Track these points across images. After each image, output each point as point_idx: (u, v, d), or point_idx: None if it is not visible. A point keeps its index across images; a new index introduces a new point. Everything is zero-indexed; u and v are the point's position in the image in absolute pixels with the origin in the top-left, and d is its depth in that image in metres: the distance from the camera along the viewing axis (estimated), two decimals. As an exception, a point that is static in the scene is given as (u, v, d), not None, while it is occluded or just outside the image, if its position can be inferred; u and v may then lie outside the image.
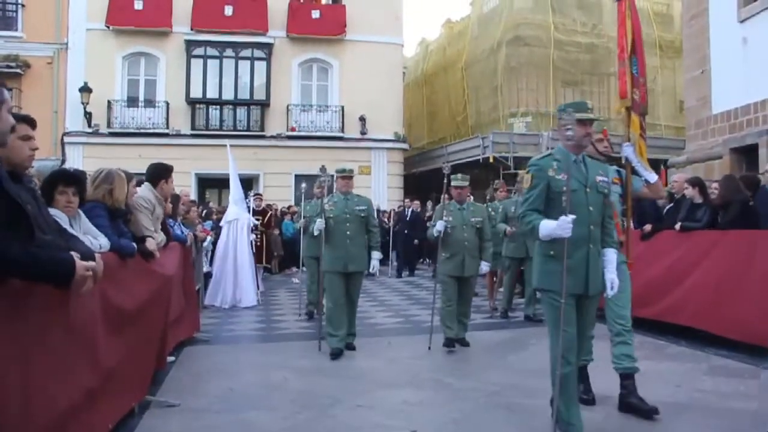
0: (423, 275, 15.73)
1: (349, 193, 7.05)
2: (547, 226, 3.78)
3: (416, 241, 16.10)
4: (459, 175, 7.37)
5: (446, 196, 7.15)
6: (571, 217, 3.68)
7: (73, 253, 2.74)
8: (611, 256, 4.05)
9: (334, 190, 7.24)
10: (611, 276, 4.00)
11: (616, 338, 4.80)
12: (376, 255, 7.26)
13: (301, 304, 9.29)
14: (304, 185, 10.17)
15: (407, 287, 13.41)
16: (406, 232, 16.22)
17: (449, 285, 6.97)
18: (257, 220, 12.00)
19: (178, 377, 5.67)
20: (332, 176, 7.40)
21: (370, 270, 7.07)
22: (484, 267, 7.22)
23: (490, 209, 9.54)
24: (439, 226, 6.90)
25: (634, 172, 5.03)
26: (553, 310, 3.91)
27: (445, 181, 7.13)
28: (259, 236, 12.12)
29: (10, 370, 2.44)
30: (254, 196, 12.71)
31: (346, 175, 7.10)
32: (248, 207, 11.53)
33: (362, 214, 6.95)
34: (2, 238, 2.30)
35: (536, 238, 3.93)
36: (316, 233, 6.90)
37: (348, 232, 6.80)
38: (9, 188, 2.39)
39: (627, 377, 4.76)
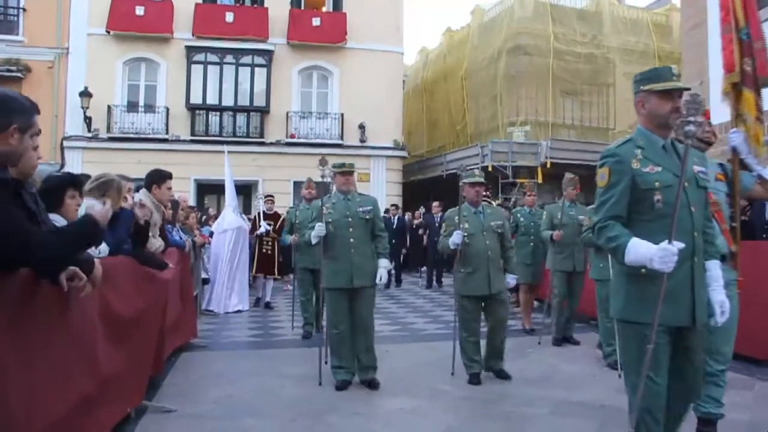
0: (420, 283, 15.69)
1: (349, 192, 5.94)
2: (640, 252, 2.82)
3: (404, 250, 16.07)
4: (475, 171, 6.28)
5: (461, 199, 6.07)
6: (679, 245, 2.75)
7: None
8: (716, 270, 3.08)
9: (333, 190, 6.05)
10: (720, 297, 3.02)
11: (706, 377, 3.75)
12: (383, 263, 5.88)
13: (294, 315, 8.75)
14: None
15: (403, 294, 13.42)
16: (393, 241, 16.08)
17: (471, 311, 5.90)
18: (269, 225, 10.81)
19: (176, 383, 5.69)
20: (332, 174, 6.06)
21: (377, 281, 5.80)
22: (511, 280, 6.12)
23: (519, 215, 8.80)
24: (456, 237, 5.75)
25: (744, 166, 4.05)
26: (640, 349, 2.91)
27: (460, 184, 6.11)
28: (270, 243, 10.84)
29: (12, 377, 2.46)
30: (265, 198, 11.32)
31: (346, 171, 5.96)
32: (260, 210, 11.15)
33: (367, 217, 5.81)
34: (33, 232, 2.50)
35: (619, 262, 2.98)
36: (314, 241, 5.70)
37: (351, 239, 5.69)
38: (27, 201, 2.57)
39: (707, 423, 3.98)
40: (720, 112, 13.61)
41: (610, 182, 3.02)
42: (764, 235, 7.02)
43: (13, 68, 19.41)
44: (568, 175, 7.98)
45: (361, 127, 21.10)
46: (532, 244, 8.47)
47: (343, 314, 5.70)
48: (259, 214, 10.93)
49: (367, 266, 5.75)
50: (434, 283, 15.06)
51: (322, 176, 5.92)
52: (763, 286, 6.17)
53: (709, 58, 13.69)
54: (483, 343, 6.02)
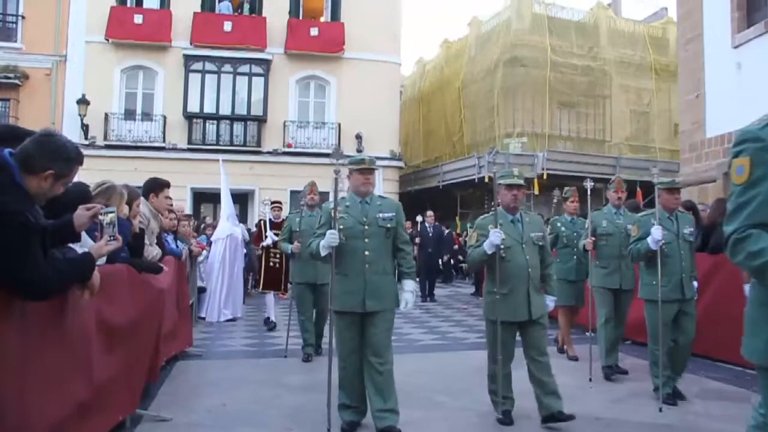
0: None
1: (368, 194, 4.84)
2: None
3: None
4: (515, 170, 5.21)
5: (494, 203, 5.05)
6: None
7: (82, 249, 3.03)
8: None
9: (345, 190, 5.02)
10: None
11: None
12: (409, 285, 4.85)
13: (290, 328, 7.86)
14: (309, 184, 7.53)
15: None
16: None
17: (505, 339, 4.83)
18: (276, 235, 9.09)
19: (171, 391, 5.67)
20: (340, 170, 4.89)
21: (401, 307, 4.82)
22: (550, 303, 5.07)
23: (559, 225, 7.55)
24: (495, 237, 4.66)
25: None
26: None
27: (496, 182, 5.11)
28: (278, 256, 9.08)
29: (7, 383, 2.46)
30: (272, 205, 10.03)
31: (365, 168, 4.80)
32: (266, 219, 9.76)
33: (387, 225, 4.72)
34: (43, 268, 2.58)
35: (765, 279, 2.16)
36: (324, 253, 4.60)
37: (366, 252, 4.64)
38: (43, 222, 2.67)
39: None
40: (717, 125, 13.68)
41: (751, 177, 2.16)
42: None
43: (11, 75, 19.47)
44: (614, 178, 7.07)
45: (358, 137, 21.14)
46: (575, 257, 7.26)
47: (354, 343, 4.72)
48: (264, 222, 9.66)
49: (385, 286, 4.69)
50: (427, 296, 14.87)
51: (336, 172, 4.79)
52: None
53: (705, 71, 13.76)
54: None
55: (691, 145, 14.34)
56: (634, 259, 5.91)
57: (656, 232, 5.33)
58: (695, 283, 5.67)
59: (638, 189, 14.72)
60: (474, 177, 20.67)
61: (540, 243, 4.98)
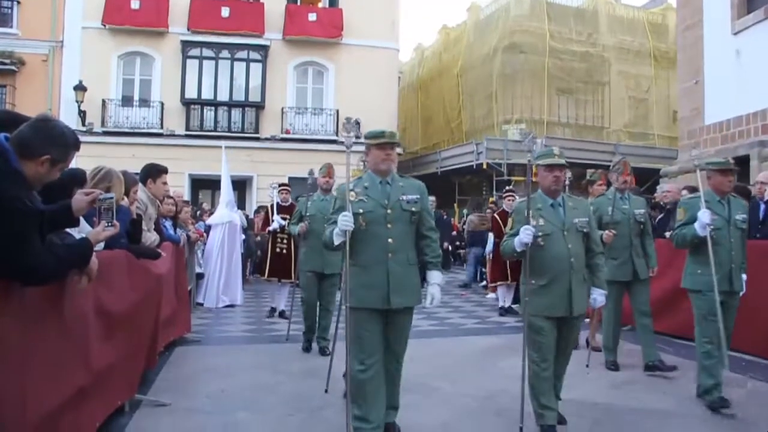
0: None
1: (389, 173, 4.29)
2: None
3: None
4: (555, 149, 4.59)
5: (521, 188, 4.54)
6: None
7: (79, 234, 3.06)
8: None
9: (361, 168, 4.42)
10: None
11: None
12: (436, 277, 4.29)
13: (293, 315, 7.84)
14: (313, 171, 7.31)
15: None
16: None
17: (546, 333, 4.28)
18: (283, 219, 8.67)
19: (169, 377, 5.68)
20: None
21: (427, 303, 4.25)
22: (599, 297, 4.50)
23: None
24: (525, 235, 4.15)
25: None
26: None
27: (528, 161, 4.68)
28: (285, 241, 8.80)
29: (5, 369, 2.46)
30: (280, 188, 9.33)
31: (385, 143, 4.30)
32: (275, 201, 9.13)
33: (412, 209, 4.15)
34: (41, 253, 2.59)
35: None
36: (337, 241, 3.94)
37: (390, 240, 4.03)
38: (40, 207, 2.67)
39: None
40: (716, 112, 13.66)
41: None
42: (757, 235, 7.04)
43: (7, 61, 19.41)
44: (619, 160, 6.60)
45: (357, 123, 21.06)
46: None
47: (376, 340, 4.03)
48: (272, 206, 9.17)
49: (409, 279, 4.11)
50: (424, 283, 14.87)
51: (348, 147, 4.46)
52: (755, 285, 6.22)
53: (704, 57, 13.74)
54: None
55: (690, 131, 14.34)
56: (678, 245, 5.36)
57: (704, 216, 4.90)
58: (744, 276, 5.19)
59: (632, 176, 14.72)
60: (472, 163, 20.65)
61: (585, 230, 4.42)
